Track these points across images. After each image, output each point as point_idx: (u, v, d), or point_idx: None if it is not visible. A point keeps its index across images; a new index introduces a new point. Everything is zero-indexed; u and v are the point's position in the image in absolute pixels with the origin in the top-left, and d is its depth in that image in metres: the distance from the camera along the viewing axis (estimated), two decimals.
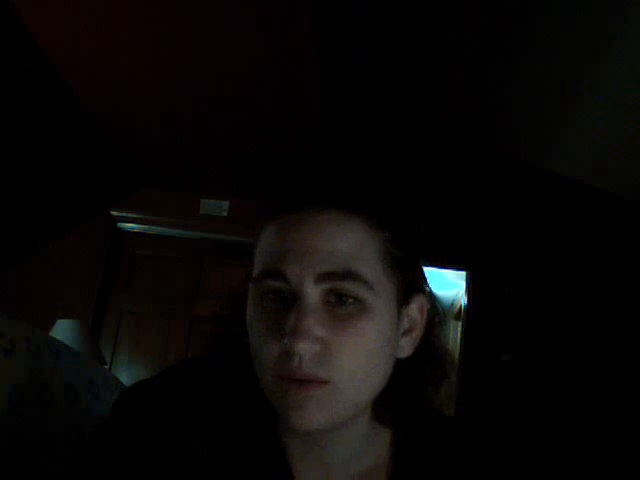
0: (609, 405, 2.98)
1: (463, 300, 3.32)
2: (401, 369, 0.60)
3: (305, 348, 0.52)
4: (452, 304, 3.81)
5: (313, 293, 0.54)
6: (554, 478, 2.93)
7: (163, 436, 0.58)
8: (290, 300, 0.55)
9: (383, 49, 2.74)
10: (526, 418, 2.98)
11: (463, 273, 3.33)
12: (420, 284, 0.63)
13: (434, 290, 0.66)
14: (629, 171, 2.82)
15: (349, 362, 0.54)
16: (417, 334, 0.62)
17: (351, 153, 2.95)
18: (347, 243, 0.55)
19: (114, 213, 3.39)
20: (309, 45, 2.10)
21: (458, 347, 3.20)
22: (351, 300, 0.55)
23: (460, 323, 3.33)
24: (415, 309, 0.62)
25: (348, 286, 0.55)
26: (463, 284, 3.35)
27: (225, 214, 3.41)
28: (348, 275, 0.54)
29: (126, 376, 3.08)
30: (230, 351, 0.65)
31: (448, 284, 3.67)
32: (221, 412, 0.60)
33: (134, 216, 3.41)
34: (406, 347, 0.61)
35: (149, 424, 0.58)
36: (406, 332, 0.61)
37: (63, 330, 2.62)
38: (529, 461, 2.91)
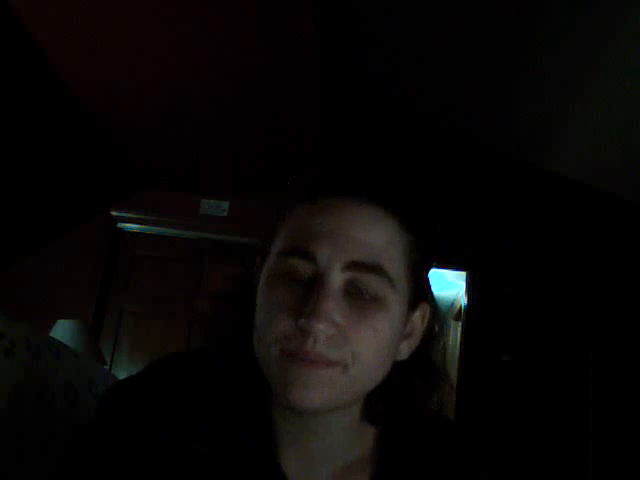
0: (609, 404, 2.98)
1: (463, 300, 3.31)
2: (395, 371, 0.61)
3: (322, 329, 0.53)
4: (452, 304, 3.81)
5: (338, 279, 0.55)
6: (554, 478, 2.93)
7: (148, 428, 0.59)
8: (310, 283, 0.56)
9: (383, 49, 2.74)
10: (526, 418, 2.98)
11: (463, 273, 3.33)
12: (427, 293, 0.65)
13: (437, 302, 0.67)
14: (629, 171, 2.82)
15: (361, 351, 0.55)
16: (414, 341, 0.64)
17: (350, 152, 2.95)
18: (379, 238, 0.57)
19: (114, 213, 3.39)
20: (309, 46, 2.10)
21: (458, 347, 3.20)
22: (371, 295, 0.56)
23: (460, 323, 3.32)
24: (418, 316, 0.63)
25: (372, 279, 0.56)
26: (463, 284, 3.35)
27: (225, 214, 3.41)
28: (375, 268, 0.56)
29: (126, 376, 3.07)
30: (226, 336, 0.66)
31: (448, 284, 3.67)
32: (208, 401, 0.61)
33: (134, 216, 3.40)
34: (404, 351, 0.63)
35: (134, 417, 0.59)
36: (406, 336, 0.63)
37: (63, 330, 2.62)
38: (528, 461, 2.91)
